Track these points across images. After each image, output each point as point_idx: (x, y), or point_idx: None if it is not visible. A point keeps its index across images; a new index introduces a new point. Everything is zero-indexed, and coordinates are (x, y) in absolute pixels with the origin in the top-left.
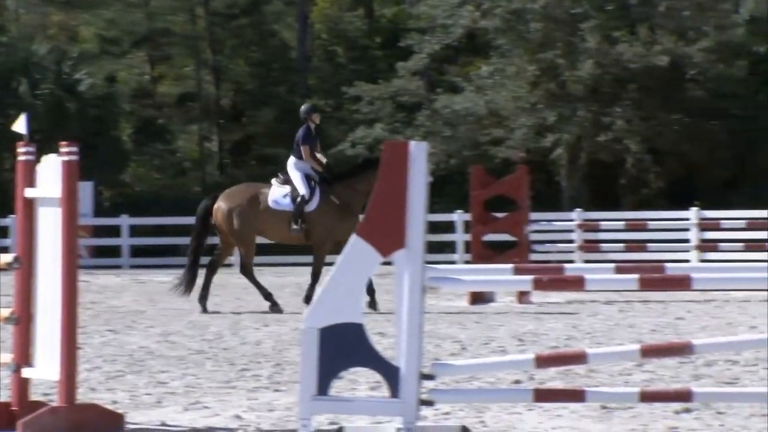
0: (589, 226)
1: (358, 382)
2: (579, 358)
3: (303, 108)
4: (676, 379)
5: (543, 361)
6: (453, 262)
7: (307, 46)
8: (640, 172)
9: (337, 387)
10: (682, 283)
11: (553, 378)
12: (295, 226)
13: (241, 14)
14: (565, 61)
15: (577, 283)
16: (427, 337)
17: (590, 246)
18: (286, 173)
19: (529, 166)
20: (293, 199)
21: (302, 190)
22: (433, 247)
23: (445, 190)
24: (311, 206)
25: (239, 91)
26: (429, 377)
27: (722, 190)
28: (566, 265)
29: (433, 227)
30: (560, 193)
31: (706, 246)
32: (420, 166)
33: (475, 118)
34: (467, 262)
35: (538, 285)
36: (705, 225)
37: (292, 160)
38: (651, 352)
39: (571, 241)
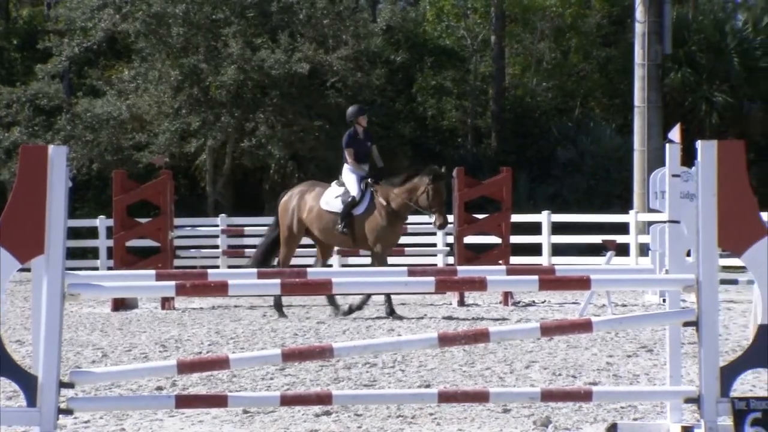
0: (233, 232)
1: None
2: (221, 363)
3: (349, 111)
4: (316, 382)
5: (185, 368)
6: (96, 268)
7: None
8: (284, 178)
9: None
10: (324, 287)
11: (197, 384)
12: (339, 227)
13: None
14: (207, 66)
15: (220, 289)
16: (68, 345)
17: (235, 251)
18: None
19: (172, 171)
20: (344, 201)
21: (353, 191)
22: (75, 253)
23: (87, 195)
24: (359, 209)
25: None
26: (68, 385)
27: None
28: (210, 271)
29: (75, 233)
30: (205, 199)
31: (347, 251)
32: (60, 171)
33: (118, 123)
34: (110, 268)
35: (181, 291)
36: None
37: (346, 165)
38: (292, 355)
39: (215, 247)
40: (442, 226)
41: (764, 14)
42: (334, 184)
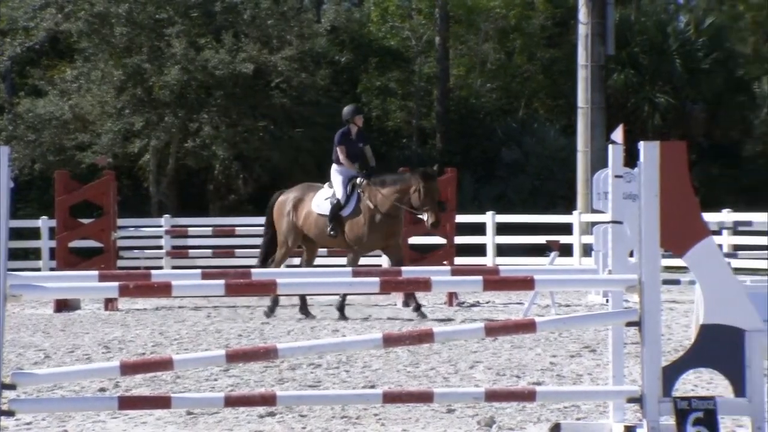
0: (177, 232)
1: None
2: (165, 364)
3: (345, 110)
4: (261, 383)
5: (128, 369)
6: (38, 269)
7: None
8: (228, 179)
9: None
10: (268, 288)
11: (140, 385)
12: (329, 230)
13: None
14: (151, 66)
15: (164, 290)
16: (10, 347)
17: (178, 252)
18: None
19: (116, 172)
20: (332, 203)
21: (338, 193)
22: (17, 254)
23: (30, 196)
24: (346, 211)
25: None
26: (10, 387)
27: None
28: (153, 272)
29: (17, 234)
30: (148, 199)
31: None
32: (1, 172)
33: (60, 123)
34: (53, 269)
35: (125, 292)
36: None
37: (334, 165)
38: (237, 356)
39: (159, 248)
40: (434, 225)
41: (706, 15)
42: (326, 185)
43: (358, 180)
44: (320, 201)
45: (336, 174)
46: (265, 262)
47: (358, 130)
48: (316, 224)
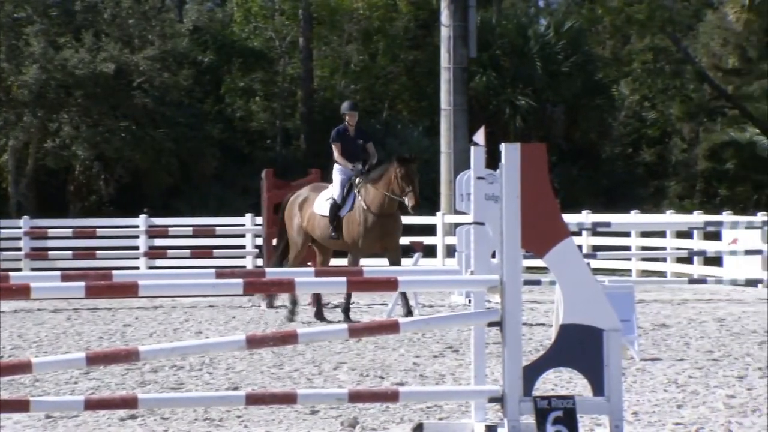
0: (36, 234)
1: None
2: (24, 367)
3: (342, 106)
4: (122, 386)
5: None
6: None
7: None
8: (89, 179)
9: None
10: (130, 289)
11: None
12: (330, 231)
13: None
14: (9, 65)
15: (23, 292)
16: None
17: (38, 254)
18: None
19: None
20: (330, 204)
21: (335, 193)
22: None
23: None
24: (344, 211)
25: None
26: None
27: (168, 197)
28: (12, 274)
29: None
30: (7, 200)
31: (155, 253)
32: None
33: None
34: None
35: None
36: (153, 232)
37: (335, 164)
38: (97, 359)
39: (18, 249)
40: (414, 208)
41: (566, 19)
42: (330, 186)
43: (357, 180)
44: (321, 202)
45: (336, 173)
46: (281, 263)
47: (357, 126)
48: (318, 225)
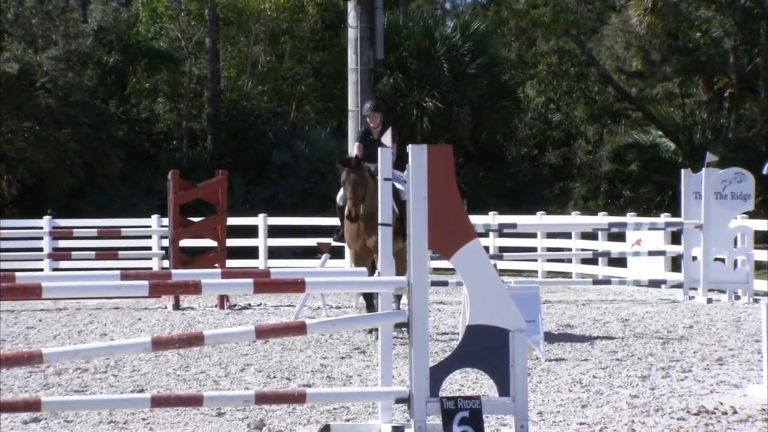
0: None
1: None
2: None
3: (363, 108)
4: (25, 388)
5: None
6: None
7: None
8: None
9: None
10: (33, 291)
11: None
12: (335, 234)
13: None
14: None
15: None
16: None
17: None
18: None
19: None
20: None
21: (338, 196)
22: None
23: None
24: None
25: None
26: None
27: (72, 198)
28: None
29: None
30: None
31: (59, 254)
32: None
33: None
34: None
35: None
36: (57, 234)
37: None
38: None
39: None
40: (348, 216)
41: (472, 21)
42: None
43: None
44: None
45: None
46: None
47: (380, 129)
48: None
